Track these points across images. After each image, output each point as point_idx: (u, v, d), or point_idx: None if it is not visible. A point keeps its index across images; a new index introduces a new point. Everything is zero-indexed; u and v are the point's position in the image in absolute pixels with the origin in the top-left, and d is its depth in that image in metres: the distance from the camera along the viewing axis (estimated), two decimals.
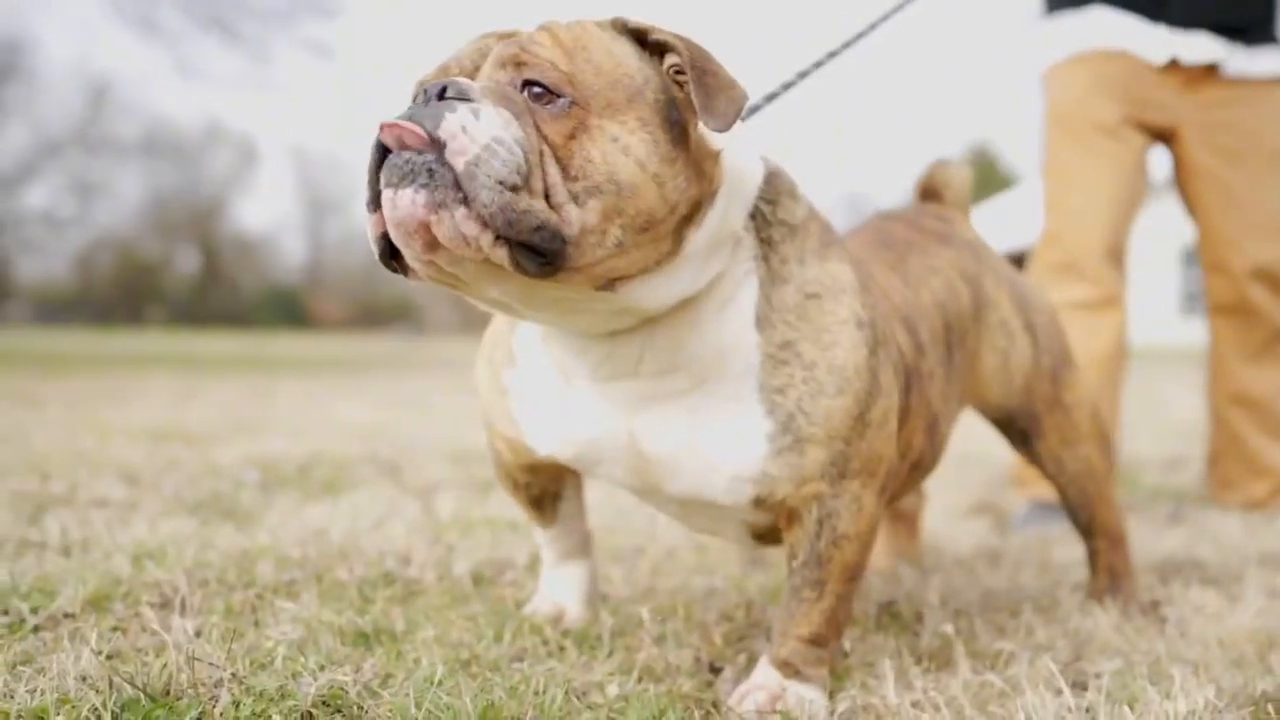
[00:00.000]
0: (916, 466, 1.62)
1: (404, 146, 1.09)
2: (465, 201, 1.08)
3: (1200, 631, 1.76)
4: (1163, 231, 15.13)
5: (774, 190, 1.39)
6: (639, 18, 1.25)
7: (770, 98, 1.61)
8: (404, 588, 1.88)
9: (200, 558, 1.96)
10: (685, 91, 1.20)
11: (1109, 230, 2.88)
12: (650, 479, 1.42)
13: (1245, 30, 2.88)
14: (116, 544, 2.06)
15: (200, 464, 3.31)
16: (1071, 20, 2.98)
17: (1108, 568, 1.98)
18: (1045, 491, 2.94)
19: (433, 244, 1.10)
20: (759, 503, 1.39)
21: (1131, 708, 1.36)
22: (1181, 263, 22.71)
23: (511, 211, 1.09)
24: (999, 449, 4.19)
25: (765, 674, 1.42)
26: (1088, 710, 1.36)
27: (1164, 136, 2.97)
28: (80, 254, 45.45)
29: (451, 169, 1.08)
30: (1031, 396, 1.85)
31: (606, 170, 1.14)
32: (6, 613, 1.57)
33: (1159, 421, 5.74)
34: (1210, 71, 2.90)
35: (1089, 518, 1.96)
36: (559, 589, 1.75)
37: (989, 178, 44.58)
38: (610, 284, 1.21)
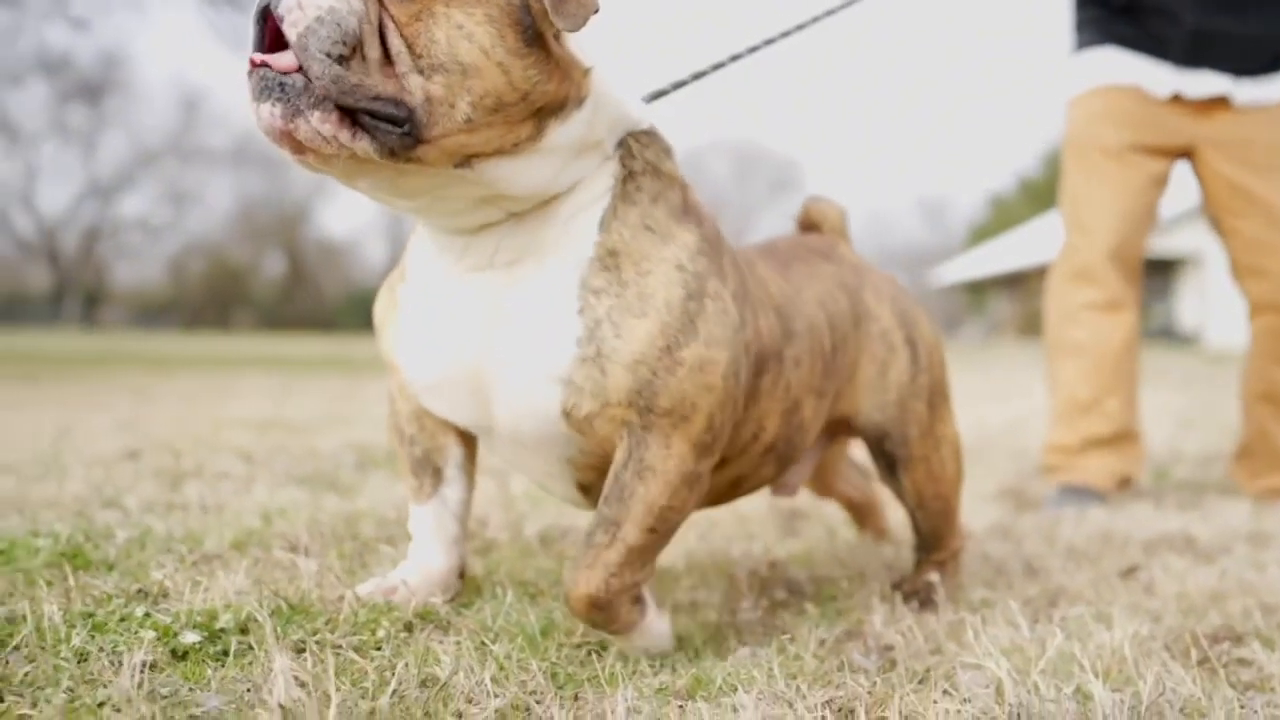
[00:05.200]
0: (770, 450, 1.65)
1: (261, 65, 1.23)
2: (316, 105, 1.20)
3: (1164, 588, 2.02)
4: None
5: (650, 139, 1.50)
6: None
7: (698, 75, 1.76)
8: (483, 544, 2.23)
9: (313, 517, 2.35)
10: (542, 3, 1.29)
11: (1115, 242, 3.15)
12: (483, 397, 1.47)
13: (1251, 71, 3.11)
14: (244, 506, 2.46)
15: (303, 448, 3.74)
16: (1088, 57, 3.27)
17: (936, 568, 1.97)
18: (1075, 476, 3.20)
19: (299, 147, 1.23)
20: (567, 416, 1.41)
21: (1078, 639, 1.64)
22: None
23: (344, 82, 1.20)
24: (1030, 440, 4.43)
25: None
26: (1040, 641, 1.65)
27: (1183, 155, 3.22)
28: (173, 259, 47.37)
29: (304, 75, 1.20)
30: (905, 414, 1.85)
31: (450, 50, 1.24)
32: (171, 551, 1.96)
33: (1214, 421, 5.86)
34: (1221, 101, 3.14)
35: (934, 543, 1.97)
36: (404, 571, 1.70)
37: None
38: (467, 161, 1.30)
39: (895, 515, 2.54)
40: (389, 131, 1.23)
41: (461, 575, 1.76)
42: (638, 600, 1.50)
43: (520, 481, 3.09)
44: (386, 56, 1.23)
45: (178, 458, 3.27)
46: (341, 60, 1.20)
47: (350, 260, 51.26)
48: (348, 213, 66.16)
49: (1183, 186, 3.40)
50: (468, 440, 1.70)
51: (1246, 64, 3.11)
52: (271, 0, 1.23)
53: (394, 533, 2.23)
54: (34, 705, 1.19)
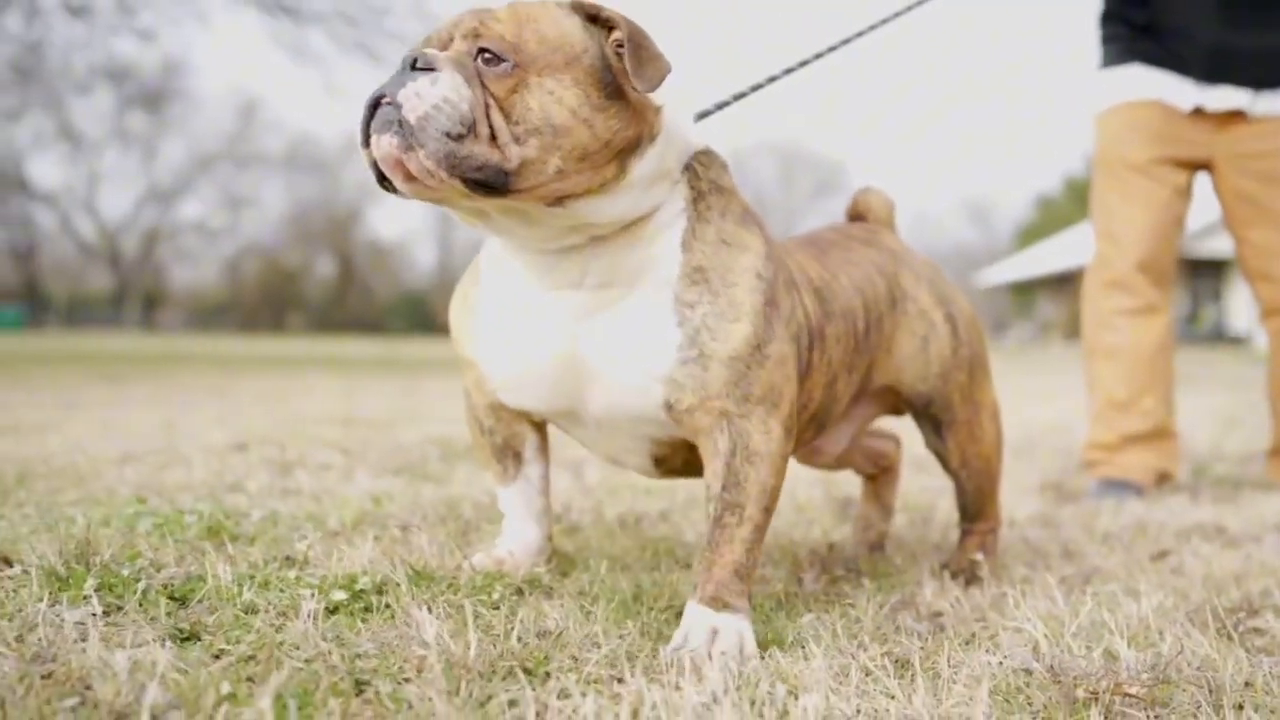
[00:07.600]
0: (814, 418, 1.84)
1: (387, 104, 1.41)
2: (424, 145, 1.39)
3: (1191, 570, 2.21)
4: None
5: (709, 159, 1.68)
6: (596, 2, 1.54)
7: (739, 97, 1.91)
8: (569, 526, 2.47)
9: (415, 501, 2.61)
10: (622, 60, 1.48)
11: (1143, 252, 3.34)
12: (574, 392, 1.65)
13: (1270, 84, 3.28)
14: (351, 492, 2.73)
15: (388, 442, 4.02)
16: (1114, 75, 3.46)
17: (978, 544, 2.18)
18: (1115, 471, 3.38)
19: (409, 176, 1.41)
20: (669, 409, 1.60)
21: (1108, 609, 1.85)
22: None
23: (454, 157, 1.38)
24: (1074, 439, 4.59)
25: (696, 614, 1.56)
26: (1074, 610, 1.85)
27: (1202, 166, 3.39)
28: (229, 262, 48.41)
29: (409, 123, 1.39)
30: (948, 383, 2.06)
31: (542, 115, 1.43)
32: (299, 528, 2.23)
33: (1258, 420, 5.95)
34: (1239, 114, 3.31)
35: (977, 511, 2.18)
36: (507, 543, 1.94)
37: None
38: (560, 201, 1.50)
39: (902, 504, 2.74)
40: (483, 186, 1.42)
41: (549, 539, 2.00)
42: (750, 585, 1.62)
43: (595, 472, 3.34)
44: (492, 131, 1.42)
45: (283, 450, 3.57)
46: (460, 139, 1.39)
47: (400, 263, 52.03)
48: (397, 216, 67.07)
49: None
50: (539, 426, 1.91)
51: (1265, 78, 3.27)
52: (389, 89, 1.42)
53: (491, 514, 2.49)
54: (228, 642, 1.44)
